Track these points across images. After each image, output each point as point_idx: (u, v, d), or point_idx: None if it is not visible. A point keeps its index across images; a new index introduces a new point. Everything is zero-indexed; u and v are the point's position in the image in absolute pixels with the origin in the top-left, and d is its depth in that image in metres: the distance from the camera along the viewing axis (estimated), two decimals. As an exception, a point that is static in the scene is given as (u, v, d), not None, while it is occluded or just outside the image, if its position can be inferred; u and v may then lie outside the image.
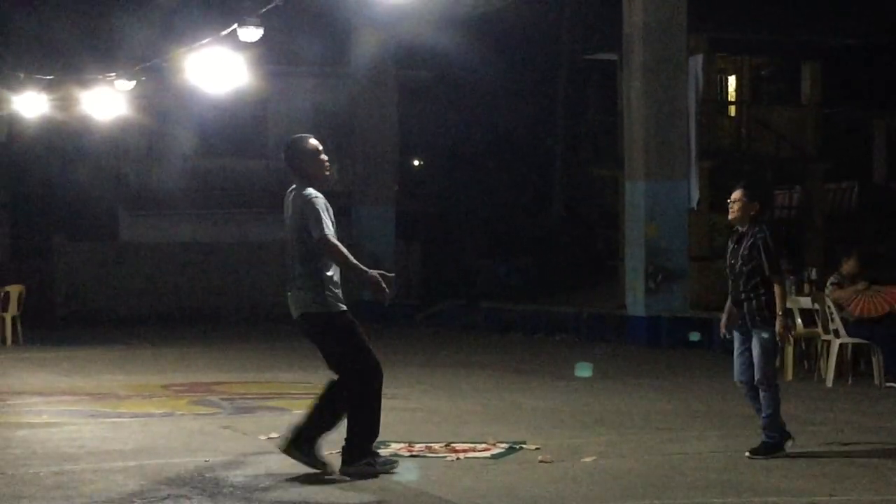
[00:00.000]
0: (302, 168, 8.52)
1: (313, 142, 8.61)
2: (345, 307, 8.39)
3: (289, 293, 8.46)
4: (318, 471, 8.35)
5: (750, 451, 9.10)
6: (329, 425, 8.44)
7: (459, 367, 16.75)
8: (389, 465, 8.43)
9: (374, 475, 8.28)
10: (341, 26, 29.01)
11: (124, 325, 26.38)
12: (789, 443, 9.14)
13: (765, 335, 9.13)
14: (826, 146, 31.33)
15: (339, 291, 8.38)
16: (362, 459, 8.33)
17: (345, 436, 8.38)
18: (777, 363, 13.90)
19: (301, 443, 8.37)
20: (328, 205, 8.40)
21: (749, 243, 9.24)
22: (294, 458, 8.38)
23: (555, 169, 36.45)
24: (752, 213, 9.30)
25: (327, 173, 8.64)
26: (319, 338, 8.45)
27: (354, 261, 8.31)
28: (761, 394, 9.19)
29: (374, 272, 8.29)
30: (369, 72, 28.96)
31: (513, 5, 29.28)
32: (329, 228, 8.27)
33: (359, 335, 8.39)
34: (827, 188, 32.62)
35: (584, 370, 15.65)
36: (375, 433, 8.42)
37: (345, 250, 8.29)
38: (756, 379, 9.20)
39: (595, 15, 30.70)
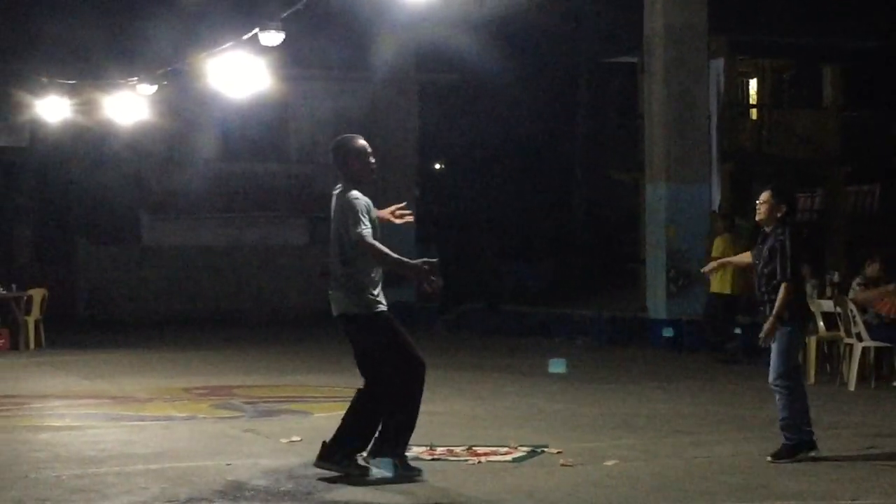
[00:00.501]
0: (349, 168, 8.52)
1: (362, 142, 8.61)
2: (385, 307, 8.41)
3: (330, 292, 8.48)
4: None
5: (772, 456, 9.07)
6: (368, 434, 8.44)
7: (479, 370, 16.74)
8: (415, 472, 8.39)
9: (401, 478, 8.28)
10: (362, 30, 29.02)
11: (146, 328, 26.44)
12: (812, 452, 9.09)
13: (783, 335, 9.09)
14: (847, 149, 31.24)
15: (379, 292, 8.41)
16: (392, 457, 8.35)
17: (383, 428, 8.40)
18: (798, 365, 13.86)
19: (333, 453, 8.38)
20: (370, 206, 8.41)
21: (770, 245, 9.23)
22: (327, 469, 8.39)
23: (575, 172, 36.44)
24: (778, 214, 9.27)
25: (374, 176, 8.65)
26: (357, 337, 8.45)
27: (395, 256, 8.32)
28: (776, 395, 9.13)
29: (418, 261, 8.31)
30: (390, 75, 28.99)
31: (533, 8, 29.27)
32: (367, 228, 8.28)
33: (400, 333, 8.41)
34: (848, 191, 32.53)
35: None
36: (411, 429, 8.43)
37: (383, 248, 8.28)
38: (770, 379, 9.16)
39: (616, 18, 30.68)
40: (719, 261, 10.83)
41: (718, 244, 18.27)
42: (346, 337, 8.54)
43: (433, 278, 8.25)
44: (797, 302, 9.22)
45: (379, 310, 8.38)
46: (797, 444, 9.05)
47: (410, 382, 8.36)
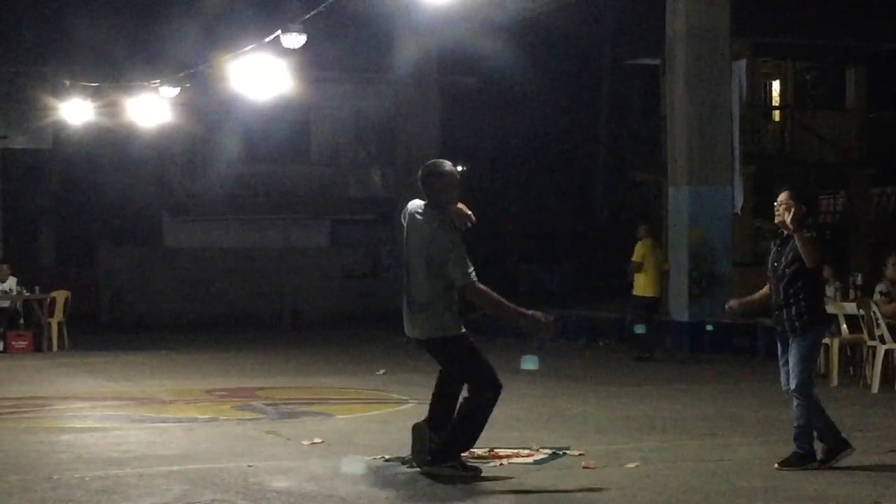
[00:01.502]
0: (437, 193, 8.52)
1: (452, 169, 8.63)
2: (464, 328, 8.49)
3: (408, 315, 8.51)
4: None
5: (779, 463, 8.96)
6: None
7: (500, 372, 16.64)
8: (474, 471, 8.49)
9: (461, 479, 8.33)
10: (384, 32, 29.06)
11: (168, 329, 26.52)
12: (849, 451, 9.01)
13: (804, 342, 8.97)
14: (871, 151, 31.15)
15: (457, 314, 8.48)
16: (449, 462, 8.41)
17: (442, 436, 8.47)
18: (819, 369, 13.83)
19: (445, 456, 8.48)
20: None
21: (793, 244, 9.07)
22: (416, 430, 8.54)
23: (597, 174, 36.40)
24: (797, 215, 9.17)
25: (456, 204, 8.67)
26: (442, 358, 8.59)
27: (507, 303, 8.41)
28: (794, 402, 8.97)
29: (534, 312, 8.37)
30: (412, 77, 29.01)
31: (555, 10, 29.26)
32: (473, 271, 8.32)
33: (478, 353, 8.50)
34: (872, 193, 32.42)
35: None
36: (472, 444, 8.56)
37: (494, 294, 8.37)
38: (791, 387, 8.99)
39: (638, 19, 30.64)
40: (742, 302, 10.20)
41: (640, 249, 18.79)
42: (431, 356, 8.66)
43: (551, 329, 8.34)
44: (816, 305, 9.10)
45: (463, 331, 8.47)
46: (807, 455, 8.93)
47: (483, 403, 8.45)
